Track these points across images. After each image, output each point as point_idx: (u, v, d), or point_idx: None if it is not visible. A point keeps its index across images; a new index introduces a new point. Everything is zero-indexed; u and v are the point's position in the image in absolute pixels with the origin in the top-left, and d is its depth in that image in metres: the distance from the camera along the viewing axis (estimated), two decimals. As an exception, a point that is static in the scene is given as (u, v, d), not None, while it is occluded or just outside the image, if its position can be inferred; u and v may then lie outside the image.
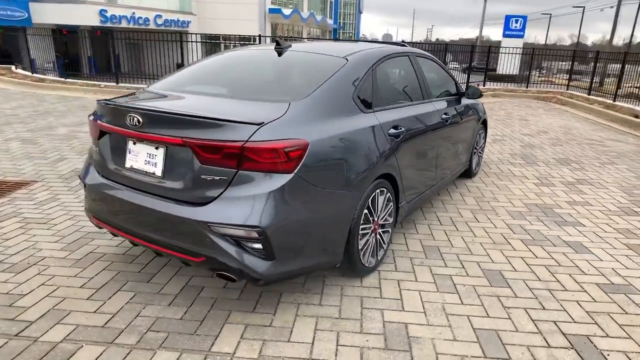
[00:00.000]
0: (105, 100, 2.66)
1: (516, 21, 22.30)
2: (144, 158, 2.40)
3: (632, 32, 31.80)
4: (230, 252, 2.18)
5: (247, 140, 2.12)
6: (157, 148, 2.35)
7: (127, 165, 2.48)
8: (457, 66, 23.68)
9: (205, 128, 2.20)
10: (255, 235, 2.16)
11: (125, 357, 2.11)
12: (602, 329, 2.45)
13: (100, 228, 2.78)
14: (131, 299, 2.59)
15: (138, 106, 2.43)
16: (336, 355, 2.18)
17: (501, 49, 17.75)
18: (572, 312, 2.61)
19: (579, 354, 2.24)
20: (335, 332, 2.36)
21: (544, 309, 2.64)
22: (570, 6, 43.05)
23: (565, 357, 2.22)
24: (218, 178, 2.18)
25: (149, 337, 2.26)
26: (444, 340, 2.32)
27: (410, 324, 2.44)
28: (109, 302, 2.55)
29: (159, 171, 2.35)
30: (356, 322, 2.44)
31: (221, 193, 2.18)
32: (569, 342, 2.34)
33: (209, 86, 3.01)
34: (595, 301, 2.75)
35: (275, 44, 3.23)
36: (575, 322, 2.51)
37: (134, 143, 2.44)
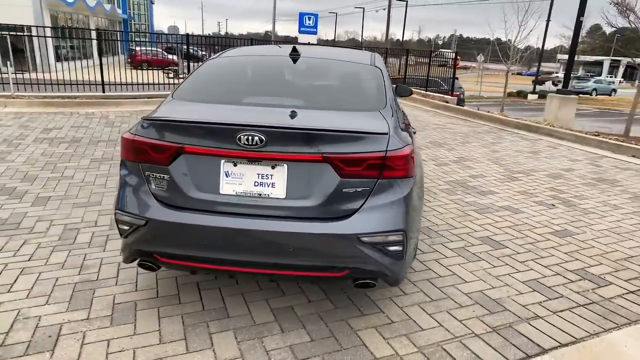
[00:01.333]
0: (181, 119, 2.28)
1: (309, 18, 24.71)
2: (253, 180, 2.18)
3: (403, 31, 39.48)
4: (375, 259, 2.23)
5: (387, 150, 2.20)
6: (273, 167, 2.18)
7: (225, 191, 2.19)
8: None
9: (343, 142, 2.16)
10: (399, 238, 2.25)
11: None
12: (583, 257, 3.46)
13: (170, 267, 2.37)
14: (238, 339, 2.30)
15: (257, 123, 2.16)
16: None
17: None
18: (558, 255, 3.56)
19: (580, 276, 3.14)
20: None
21: (541, 257, 3.51)
22: (353, 7, 49.16)
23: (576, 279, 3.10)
24: (360, 189, 2.18)
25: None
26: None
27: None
28: (220, 348, 2.21)
29: (280, 191, 2.18)
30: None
31: (363, 203, 2.19)
32: (574, 272, 3.24)
33: (273, 97, 2.79)
34: (560, 245, 3.77)
35: (291, 49, 3.11)
36: (565, 261, 3.46)
37: (235, 165, 2.17)
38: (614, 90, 33.27)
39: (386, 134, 2.25)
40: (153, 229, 2.19)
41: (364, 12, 47.97)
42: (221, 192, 2.17)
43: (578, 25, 11.02)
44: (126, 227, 2.26)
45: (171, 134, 2.20)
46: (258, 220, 2.16)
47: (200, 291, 2.71)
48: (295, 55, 3.05)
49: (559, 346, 2.40)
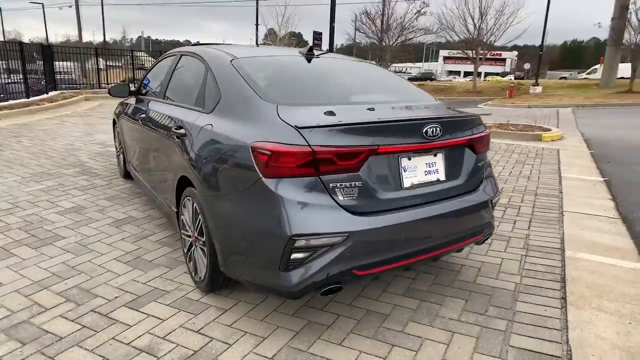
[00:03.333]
0: (373, 120, 2.14)
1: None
2: (423, 170, 2.26)
3: (104, 31, 38.23)
4: (492, 217, 2.63)
5: (486, 129, 2.61)
6: (435, 155, 2.31)
7: (406, 184, 2.19)
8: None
9: (473, 126, 2.50)
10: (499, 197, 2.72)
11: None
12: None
13: (359, 280, 2.34)
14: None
15: (433, 116, 2.33)
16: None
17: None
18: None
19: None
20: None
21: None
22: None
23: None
24: (482, 163, 2.57)
25: None
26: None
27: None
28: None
29: (442, 176, 2.33)
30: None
31: (483, 174, 2.59)
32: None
33: (366, 95, 2.84)
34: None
35: (308, 50, 3.08)
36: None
37: (409, 158, 2.20)
38: None
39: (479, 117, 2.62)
40: (354, 242, 1.97)
41: (43, 8, 39.21)
42: (403, 187, 2.17)
43: (332, 31, 11.44)
44: (307, 254, 1.93)
45: (359, 137, 2.03)
46: (434, 205, 2.24)
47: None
48: (311, 55, 3.04)
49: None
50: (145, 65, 17.23)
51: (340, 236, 1.93)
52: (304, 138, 1.92)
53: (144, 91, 4.03)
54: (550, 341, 2.11)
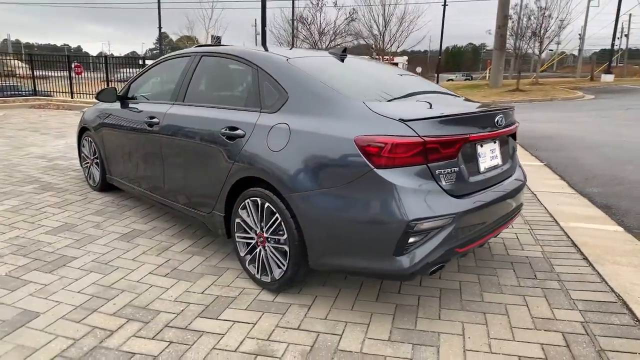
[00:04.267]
0: (469, 112, 2.48)
1: None
2: (489, 155, 2.50)
3: None
4: None
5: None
6: (494, 142, 2.55)
7: (482, 169, 2.42)
8: None
9: (513, 117, 2.77)
10: None
11: None
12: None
13: (463, 256, 2.51)
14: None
15: (500, 107, 2.57)
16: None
17: None
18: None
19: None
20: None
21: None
22: None
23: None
24: (515, 149, 2.89)
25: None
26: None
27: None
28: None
29: (499, 161, 2.60)
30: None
31: (515, 158, 2.89)
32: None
33: (410, 90, 2.88)
34: None
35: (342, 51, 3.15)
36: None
37: (481, 145, 2.43)
38: None
39: None
40: (457, 223, 2.13)
41: None
42: (480, 171, 2.39)
43: (264, 35, 12.83)
44: (420, 237, 2.06)
45: (455, 127, 2.21)
46: (499, 186, 2.52)
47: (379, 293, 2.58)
48: (344, 55, 3.13)
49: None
50: (17, 72, 15.24)
51: (448, 218, 2.10)
52: (413, 130, 2.05)
53: (134, 96, 3.75)
54: (600, 291, 2.49)
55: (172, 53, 3.56)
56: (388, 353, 2.00)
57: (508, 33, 22.20)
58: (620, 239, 3.27)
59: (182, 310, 2.37)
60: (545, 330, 2.15)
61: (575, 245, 3.13)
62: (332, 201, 2.14)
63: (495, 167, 2.52)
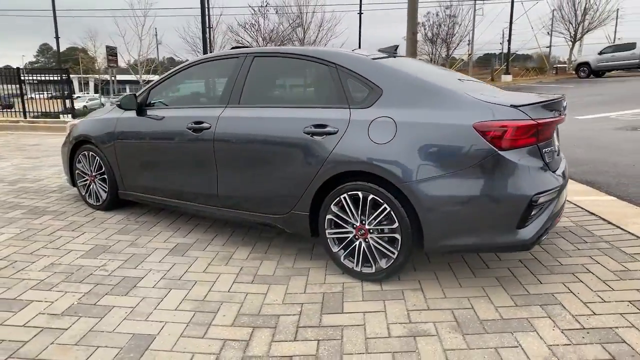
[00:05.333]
0: (555, 98, 2.60)
1: None
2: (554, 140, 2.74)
3: None
4: None
5: None
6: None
7: (554, 149, 2.66)
8: None
9: None
10: None
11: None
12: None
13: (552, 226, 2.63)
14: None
15: (558, 95, 2.72)
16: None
17: None
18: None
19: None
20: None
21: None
22: None
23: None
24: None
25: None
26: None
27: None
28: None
29: (557, 143, 2.81)
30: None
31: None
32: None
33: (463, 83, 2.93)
34: None
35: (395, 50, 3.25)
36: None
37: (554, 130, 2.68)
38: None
39: None
40: (558, 195, 2.47)
41: None
42: (555, 150, 2.67)
43: (205, 41, 13.81)
44: (538, 210, 2.31)
45: (549, 111, 2.47)
46: (562, 164, 2.77)
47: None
48: (396, 54, 3.21)
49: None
50: None
51: (555, 191, 2.39)
52: (526, 114, 2.28)
53: (156, 103, 3.53)
54: (642, 245, 2.95)
55: (205, 56, 3.41)
56: (525, 315, 2.19)
57: (422, 40, 24.04)
58: (622, 205, 3.83)
59: (300, 310, 2.33)
60: (630, 280, 2.50)
61: (593, 214, 3.61)
62: (453, 185, 2.28)
63: (556, 148, 2.84)
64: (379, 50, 3.32)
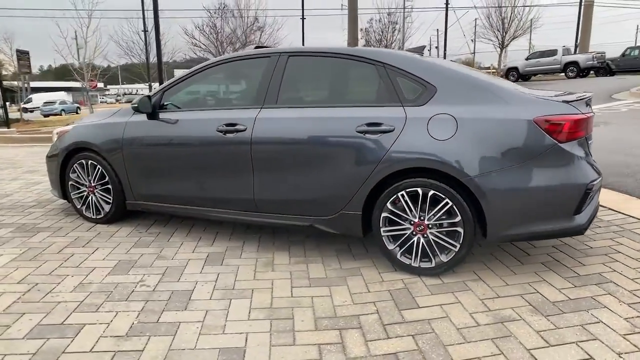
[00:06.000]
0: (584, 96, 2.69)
1: None
2: None
3: None
4: None
5: None
6: None
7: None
8: None
9: None
10: None
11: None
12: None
13: None
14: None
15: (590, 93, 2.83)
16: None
17: None
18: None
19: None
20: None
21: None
22: None
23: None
24: None
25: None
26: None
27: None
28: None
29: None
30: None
31: None
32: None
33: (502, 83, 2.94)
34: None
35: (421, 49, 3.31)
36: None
37: None
38: (79, 108, 34.11)
39: None
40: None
41: None
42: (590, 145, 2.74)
43: (158, 44, 14.22)
44: (589, 196, 2.46)
45: (587, 107, 2.64)
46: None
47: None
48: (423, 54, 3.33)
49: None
50: None
51: (600, 179, 2.58)
52: (577, 109, 2.46)
53: (171, 106, 3.34)
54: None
55: (228, 56, 3.27)
56: (588, 294, 2.36)
57: (366, 44, 24.74)
58: (623, 199, 4.11)
59: (376, 310, 2.32)
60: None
61: (605, 207, 3.88)
62: (516, 177, 2.40)
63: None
64: (407, 51, 3.40)
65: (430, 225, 2.59)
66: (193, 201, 3.26)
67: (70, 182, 3.76)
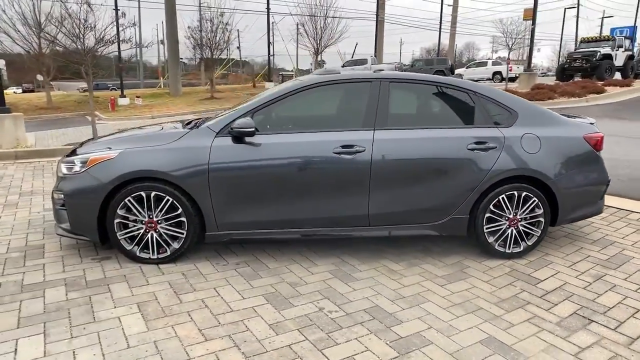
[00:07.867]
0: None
1: None
2: None
3: None
4: None
5: None
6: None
7: None
8: None
9: None
10: None
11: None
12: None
13: None
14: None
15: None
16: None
17: None
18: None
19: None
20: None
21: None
22: None
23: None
24: None
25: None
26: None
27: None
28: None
29: None
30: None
31: None
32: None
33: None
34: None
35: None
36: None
37: None
38: None
39: None
40: None
41: None
42: None
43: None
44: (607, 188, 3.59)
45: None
46: None
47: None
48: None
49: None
50: None
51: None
52: (597, 127, 3.65)
53: (265, 127, 3.26)
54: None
55: (322, 80, 3.35)
56: (618, 282, 3.58)
57: (192, 45, 23.75)
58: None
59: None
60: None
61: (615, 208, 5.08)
62: (576, 177, 3.48)
63: None
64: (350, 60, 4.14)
65: (519, 219, 3.41)
66: (295, 223, 3.27)
67: (116, 221, 3.13)
